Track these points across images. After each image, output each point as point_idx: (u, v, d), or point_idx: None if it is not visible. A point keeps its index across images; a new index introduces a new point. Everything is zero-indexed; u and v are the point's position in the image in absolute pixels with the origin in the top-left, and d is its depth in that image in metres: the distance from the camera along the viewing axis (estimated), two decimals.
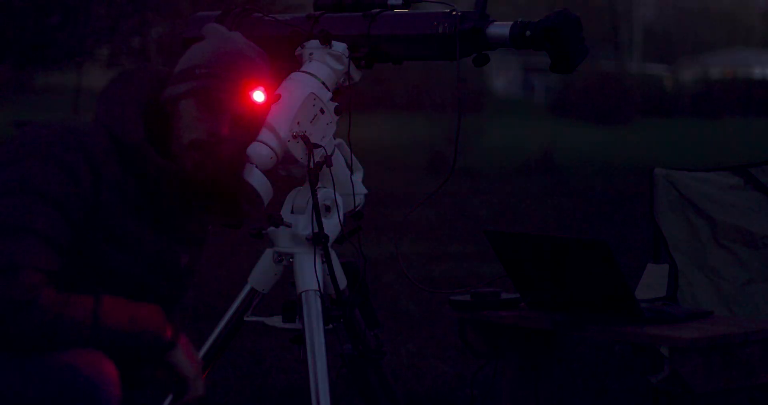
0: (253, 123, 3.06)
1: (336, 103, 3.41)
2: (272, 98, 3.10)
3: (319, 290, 3.36)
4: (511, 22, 3.27)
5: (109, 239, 2.84)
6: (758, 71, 42.25)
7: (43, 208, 2.74)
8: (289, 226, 3.41)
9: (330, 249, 3.41)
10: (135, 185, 2.88)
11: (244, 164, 3.15)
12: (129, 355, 2.81)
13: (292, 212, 3.46)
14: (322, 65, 3.43)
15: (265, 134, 3.25)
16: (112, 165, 2.85)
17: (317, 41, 3.45)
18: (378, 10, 3.48)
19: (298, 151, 3.31)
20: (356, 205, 3.56)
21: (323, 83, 3.40)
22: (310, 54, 3.46)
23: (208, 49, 3.01)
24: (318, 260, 3.39)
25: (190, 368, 2.90)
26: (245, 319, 3.55)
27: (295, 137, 3.30)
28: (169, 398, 3.26)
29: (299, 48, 3.49)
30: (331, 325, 3.42)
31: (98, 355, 2.71)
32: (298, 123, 3.31)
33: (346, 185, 3.50)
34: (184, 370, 2.88)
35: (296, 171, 3.39)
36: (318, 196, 3.33)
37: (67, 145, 2.80)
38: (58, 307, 2.69)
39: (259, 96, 3.01)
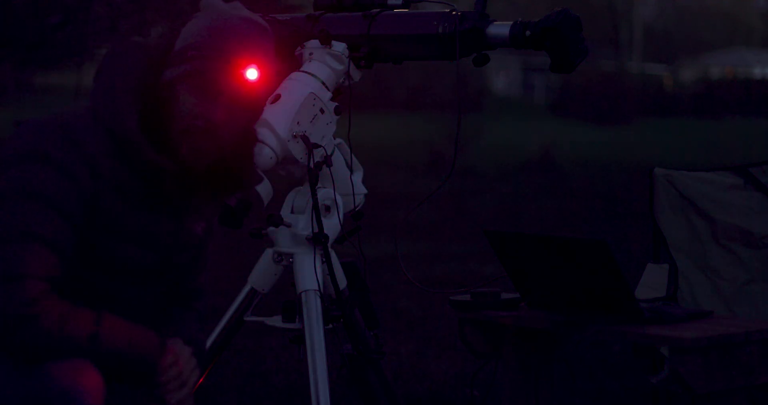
0: (251, 103, 2.86)
1: (336, 103, 3.41)
2: (271, 76, 2.87)
3: (319, 290, 3.36)
4: (511, 22, 3.28)
5: (112, 232, 2.79)
6: (758, 71, 42.25)
7: (42, 211, 2.69)
8: (289, 226, 3.41)
9: (330, 249, 3.41)
10: (131, 175, 2.80)
11: (253, 144, 2.96)
12: (123, 374, 2.77)
13: (292, 212, 3.46)
14: (322, 65, 3.43)
15: (265, 134, 3.25)
16: (107, 158, 2.78)
17: (317, 41, 3.45)
18: (378, 10, 3.49)
19: (298, 151, 3.31)
20: (356, 205, 3.56)
21: (323, 83, 3.40)
22: (310, 54, 3.46)
23: (199, 28, 2.83)
24: (318, 260, 3.39)
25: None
26: (245, 319, 3.56)
27: (295, 137, 3.30)
28: None
29: (299, 48, 3.49)
30: (331, 325, 3.43)
31: (83, 363, 2.66)
32: (297, 123, 3.31)
33: (346, 185, 3.50)
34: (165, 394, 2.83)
35: (296, 171, 3.39)
36: (318, 196, 3.33)
37: (61, 143, 2.74)
38: (58, 324, 2.65)
39: (252, 74, 2.79)
